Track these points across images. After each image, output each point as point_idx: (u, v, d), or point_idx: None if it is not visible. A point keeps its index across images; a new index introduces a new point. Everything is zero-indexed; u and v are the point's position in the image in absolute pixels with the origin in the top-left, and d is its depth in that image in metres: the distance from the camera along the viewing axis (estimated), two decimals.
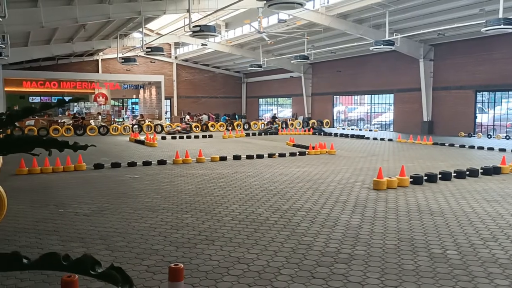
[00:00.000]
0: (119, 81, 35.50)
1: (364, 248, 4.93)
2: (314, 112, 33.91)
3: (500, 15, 14.11)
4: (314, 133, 25.62)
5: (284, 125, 30.26)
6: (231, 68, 39.94)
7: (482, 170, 10.12)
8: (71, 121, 27.63)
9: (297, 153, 14.81)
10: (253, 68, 29.81)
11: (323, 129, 26.73)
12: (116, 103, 39.27)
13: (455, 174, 9.71)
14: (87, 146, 2.50)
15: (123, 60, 26.68)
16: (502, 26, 13.85)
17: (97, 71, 34.55)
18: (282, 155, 14.28)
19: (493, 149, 15.86)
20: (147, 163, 12.10)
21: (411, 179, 8.96)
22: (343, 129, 29.28)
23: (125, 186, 9.01)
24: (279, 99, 39.66)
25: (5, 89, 29.38)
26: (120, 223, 6.04)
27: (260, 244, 5.10)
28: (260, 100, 41.37)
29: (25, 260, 1.36)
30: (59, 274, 3.75)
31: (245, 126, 30.08)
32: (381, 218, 6.26)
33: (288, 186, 8.86)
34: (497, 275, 4.16)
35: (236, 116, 36.39)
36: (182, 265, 2.96)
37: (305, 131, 26.75)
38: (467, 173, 9.85)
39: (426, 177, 9.18)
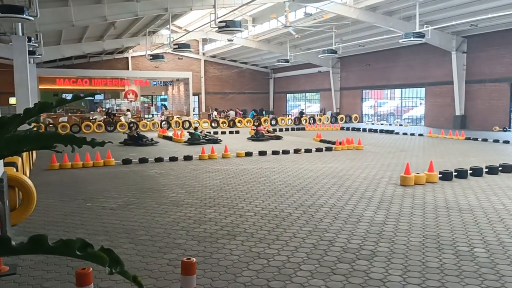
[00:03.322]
0: (148, 78, 36.12)
1: (388, 244, 4.83)
2: (342, 107, 33.46)
3: None
4: (342, 128, 25.32)
5: (311, 121, 30.07)
6: (259, 63, 39.89)
7: None
8: (102, 118, 28.36)
9: (324, 148, 14.67)
10: (280, 63, 29.70)
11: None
12: (146, 100, 40.02)
13: (486, 170, 9.37)
14: (105, 142, 2.54)
15: (151, 57, 27.10)
16: None
17: (127, 69, 35.26)
18: (308, 150, 14.18)
19: None
20: (173, 159, 12.26)
21: (440, 175, 8.71)
22: (373, 124, 28.77)
23: (151, 181, 9.17)
24: (307, 94, 39.36)
25: (40, 87, 30.41)
26: (144, 217, 6.15)
27: (281, 239, 5.08)
28: (288, 95, 41.17)
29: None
30: (78, 265, 3.85)
31: (272, 121, 30.03)
32: (407, 214, 6.12)
33: (313, 182, 8.78)
34: None
35: (264, 112, 36.37)
36: (194, 259, 2.98)
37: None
38: (500, 168, 9.49)
39: (456, 173, 8.90)
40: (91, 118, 28.42)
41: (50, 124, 24.37)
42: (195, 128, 19.09)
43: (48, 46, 24.27)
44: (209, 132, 19.12)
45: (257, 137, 18.83)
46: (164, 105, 38.45)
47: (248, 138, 19.33)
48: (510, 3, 17.12)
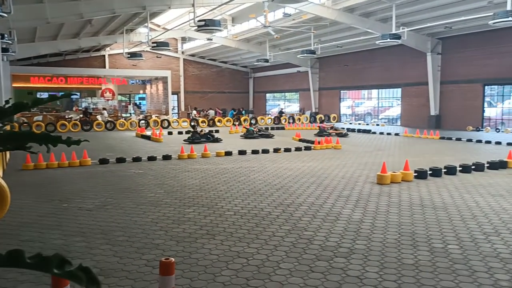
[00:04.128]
0: (126, 76, 35.66)
1: (365, 242, 4.92)
2: (321, 106, 33.79)
3: (508, 7, 13.88)
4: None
5: (291, 120, 30.24)
6: (238, 62, 39.87)
7: (488, 165, 10.02)
8: (78, 117, 27.84)
9: (303, 148, 14.78)
10: (259, 62, 29.76)
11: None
12: (124, 98, 39.47)
13: (460, 169, 9.64)
14: (80, 141, 2.50)
15: (129, 55, 26.75)
16: (510, 18, 13.64)
17: (104, 67, 34.69)
18: (287, 150, 14.26)
19: (501, 143, 15.70)
20: (152, 158, 12.15)
21: (416, 174, 8.91)
22: (350, 123, 29.15)
23: (129, 181, 9.06)
24: (286, 94, 39.55)
25: (13, 85, 29.64)
26: (122, 217, 6.08)
27: (260, 238, 5.10)
28: (267, 95, 41.28)
29: None
30: None
31: (252, 121, 30.05)
32: (383, 212, 6.23)
33: (292, 181, 8.85)
34: (497, 269, 4.12)
35: (243, 112, 36.37)
36: (173, 259, 2.97)
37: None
38: (473, 167, 9.77)
39: (430, 172, 9.12)
40: (66, 117, 27.85)
41: (24, 123, 23.78)
42: (251, 124, 20.72)
43: (22, 43, 23.65)
44: (267, 128, 20.62)
45: (320, 134, 19.68)
46: (136, 104, 37.70)
47: (314, 134, 19.82)
48: (483, 6, 17.61)
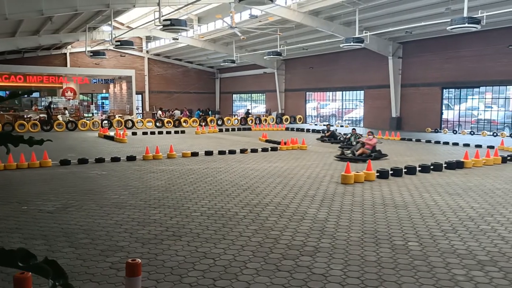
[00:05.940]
0: (88, 75, 34.62)
1: (329, 240, 5.03)
2: (287, 108, 34.13)
3: (465, 14, 14.53)
4: (286, 129, 25.80)
5: (257, 121, 30.36)
6: (205, 63, 39.64)
7: (446, 165, 10.45)
8: (38, 116, 26.84)
9: (269, 148, 14.89)
10: (226, 63, 29.71)
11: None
12: (86, 98, 38.34)
13: (419, 169, 10.01)
14: (43, 140, 2.42)
15: (91, 54, 26.03)
16: (466, 25, 14.27)
17: (65, 65, 33.61)
18: (254, 150, 14.32)
19: (458, 144, 16.40)
20: (115, 159, 11.89)
21: (378, 174, 9.17)
22: (316, 124, 29.58)
23: (92, 182, 8.84)
24: (252, 95, 39.68)
25: None
26: (85, 220, 5.93)
27: (227, 238, 5.12)
28: (234, 95, 41.27)
29: None
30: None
31: (218, 121, 29.96)
32: (347, 211, 6.39)
33: (259, 181, 8.90)
34: (454, 265, 4.32)
35: (210, 112, 36.15)
36: (139, 260, 2.94)
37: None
38: (431, 167, 10.16)
39: (392, 172, 9.41)
40: (25, 116, 26.78)
41: None
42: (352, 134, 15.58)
43: None
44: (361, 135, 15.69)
45: None
46: (81, 104, 36.03)
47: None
48: (442, 12, 18.31)
